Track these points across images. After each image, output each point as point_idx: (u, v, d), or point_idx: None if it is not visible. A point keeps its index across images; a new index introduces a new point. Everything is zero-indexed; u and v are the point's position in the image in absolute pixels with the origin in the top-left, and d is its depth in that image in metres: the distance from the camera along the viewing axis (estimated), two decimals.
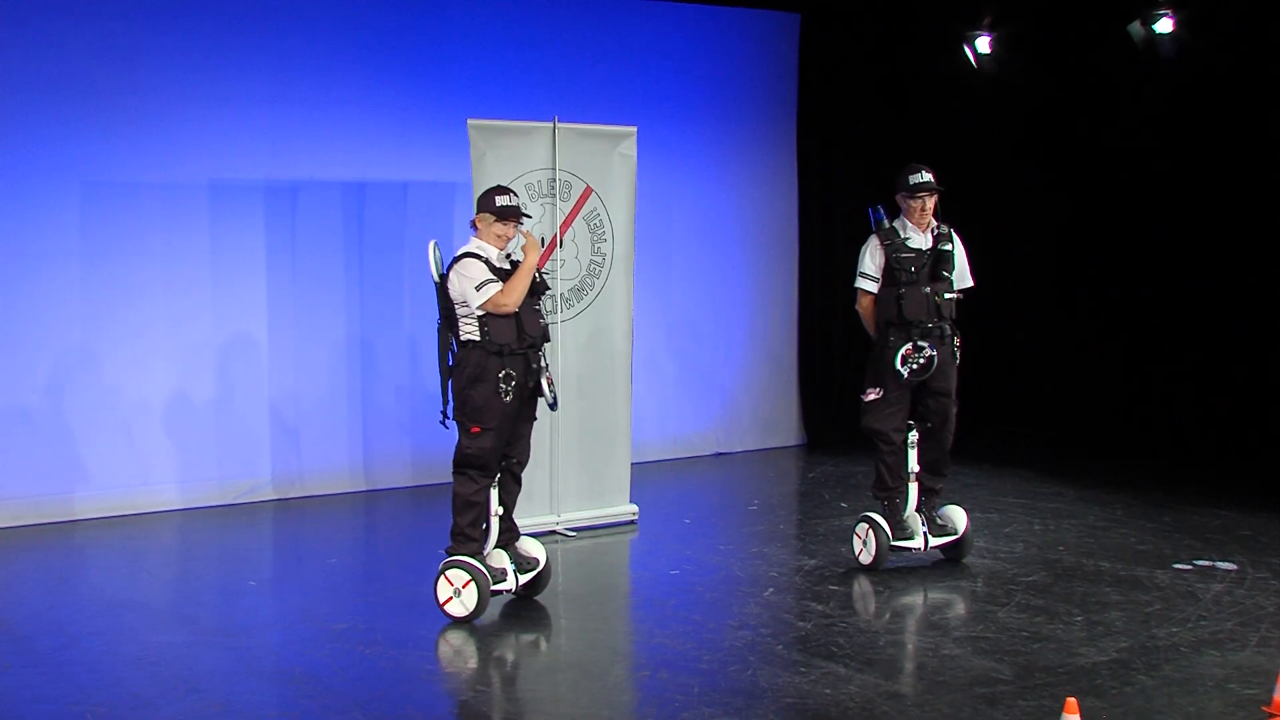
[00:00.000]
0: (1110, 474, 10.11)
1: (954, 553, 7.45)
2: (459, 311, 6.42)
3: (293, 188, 9.48)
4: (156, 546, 8.27)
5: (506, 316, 6.36)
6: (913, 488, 7.34)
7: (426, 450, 9.85)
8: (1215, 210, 10.25)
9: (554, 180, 8.28)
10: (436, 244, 6.61)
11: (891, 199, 7.32)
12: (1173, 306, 10.60)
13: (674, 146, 10.98)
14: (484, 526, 6.61)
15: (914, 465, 7.32)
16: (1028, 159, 11.42)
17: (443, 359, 6.48)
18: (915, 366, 7.07)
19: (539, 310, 6.56)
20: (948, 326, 7.19)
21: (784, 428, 11.75)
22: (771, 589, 7.08)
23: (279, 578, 7.65)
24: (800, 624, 6.44)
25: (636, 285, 9.15)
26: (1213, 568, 7.35)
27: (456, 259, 6.42)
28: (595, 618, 6.70)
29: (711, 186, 11.29)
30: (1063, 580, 7.12)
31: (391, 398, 9.88)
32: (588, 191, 8.43)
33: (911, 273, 7.09)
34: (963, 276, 7.32)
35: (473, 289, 6.30)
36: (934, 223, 7.21)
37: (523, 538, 6.85)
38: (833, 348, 11.90)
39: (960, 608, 6.73)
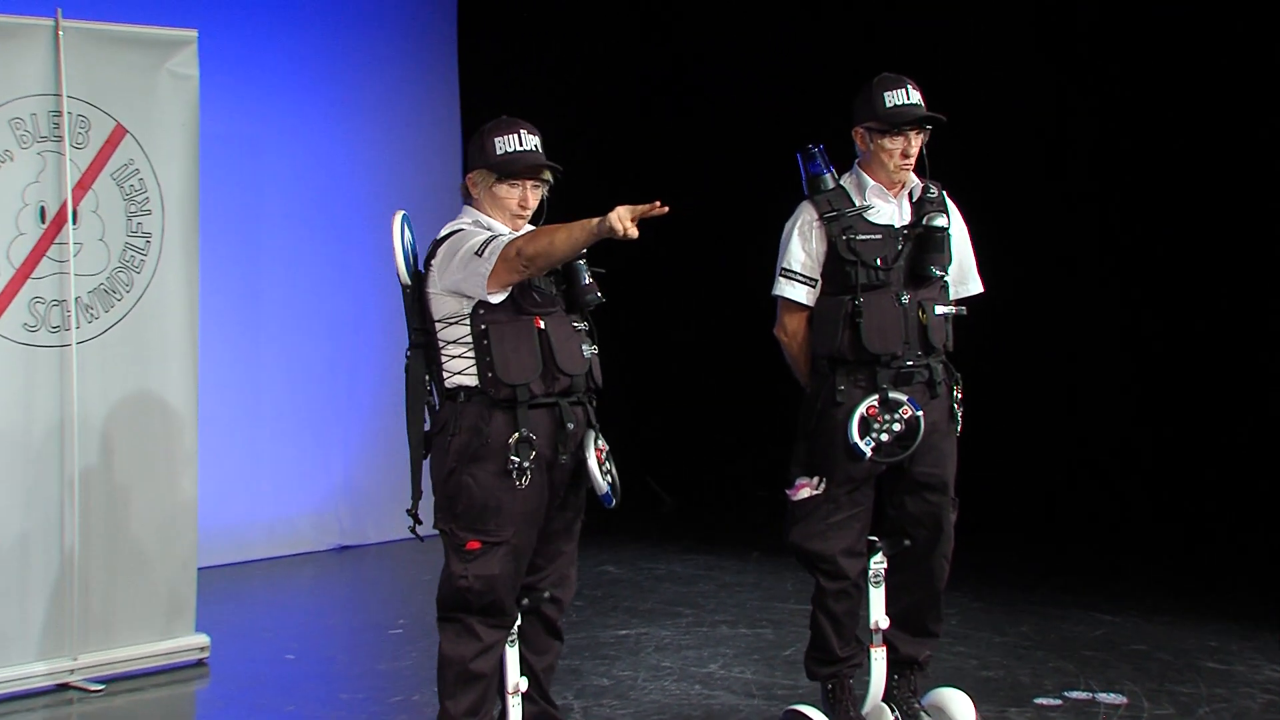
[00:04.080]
0: None
1: None
2: (443, 334, 5.87)
3: None
4: None
5: (522, 322, 5.79)
6: (878, 656, 6.66)
7: None
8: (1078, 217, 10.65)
9: (59, 114, 7.91)
10: (407, 217, 6.03)
11: (839, 137, 6.65)
12: (1032, 315, 10.77)
13: (265, 65, 10.81)
14: (496, 713, 6.05)
15: (880, 617, 6.64)
16: (819, 107, 11.24)
17: (415, 419, 5.98)
18: (886, 438, 6.37)
19: (582, 332, 6.00)
20: (939, 365, 6.51)
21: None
22: None
23: None
24: None
25: (205, 286, 8.70)
26: (1092, 702, 7.36)
27: (439, 243, 5.92)
28: None
29: (326, 129, 11.17)
30: None
31: None
32: (118, 133, 8.11)
33: (876, 268, 6.39)
34: (964, 273, 6.71)
35: (471, 257, 5.74)
36: (915, 181, 6.53)
37: None
38: None
39: None
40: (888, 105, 6.36)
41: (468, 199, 6.03)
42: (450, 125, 11.77)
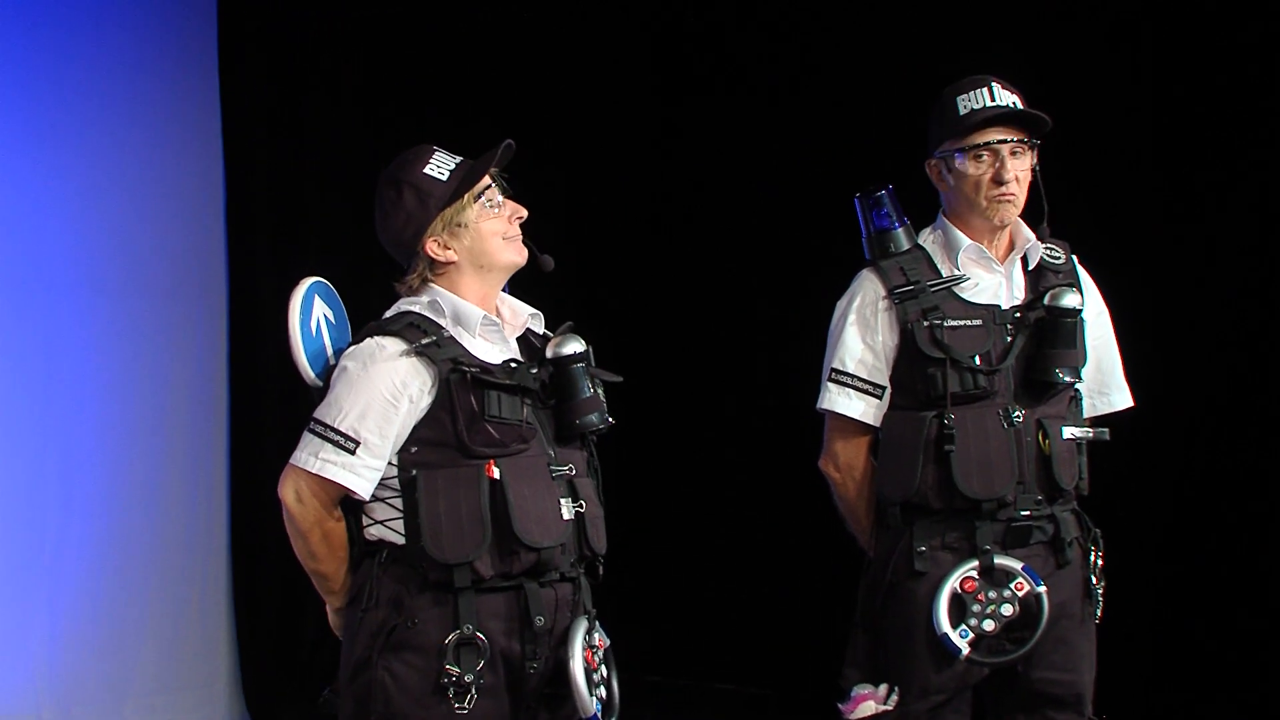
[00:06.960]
0: None
1: None
2: None
3: None
4: None
5: (466, 470, 5.23)
6: None
7: None
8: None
9: None
10: (320, 286, 5.52)
11: (910, 173, 5.89)
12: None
13: None
14: None
15: None
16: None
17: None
18: (990, 627, 5.65)
19: (563, 481, 5.24)
20: (1068, 516, 5.71)
21: (198, 695, 11.22)
22: None
23: None
24: None
25: None
26: None
27: (356, 341, 5.37)
28: None
29: (27, 159, 10.48)
30: None
31: None
32: None
33: (975, 371, 5.72)
34: (1106, 379, 6.02)
35: (308, 428, 5.27)
36: (1031, 239, 5.74)
37: None
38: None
39: None
40: (963, 111, 5.70)
41: (430, 270, 5.29)
42: (207, 154, 10.89)
